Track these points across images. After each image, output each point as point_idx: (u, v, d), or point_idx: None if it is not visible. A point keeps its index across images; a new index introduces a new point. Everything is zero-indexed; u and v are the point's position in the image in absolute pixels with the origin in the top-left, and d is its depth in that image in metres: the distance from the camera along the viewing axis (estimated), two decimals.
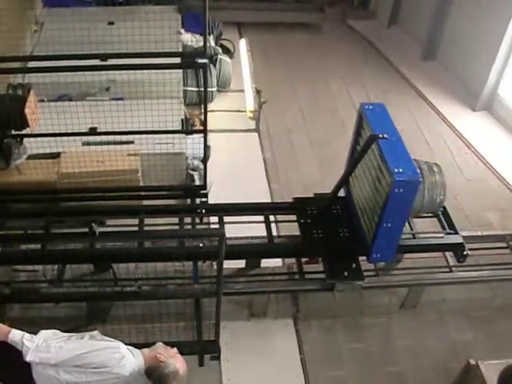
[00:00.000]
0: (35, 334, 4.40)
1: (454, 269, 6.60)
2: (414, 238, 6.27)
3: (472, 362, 5.71)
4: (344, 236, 6.10)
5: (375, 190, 5.57)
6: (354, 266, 6.03)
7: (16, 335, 4.26)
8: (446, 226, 6.40)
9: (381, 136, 5.32)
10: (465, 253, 6.13)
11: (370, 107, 5.90)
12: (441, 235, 6.37)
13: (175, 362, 4.31)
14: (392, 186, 5.10)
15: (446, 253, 6.69)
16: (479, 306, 7.02)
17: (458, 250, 6.23)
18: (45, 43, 8.38)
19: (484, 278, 6.68)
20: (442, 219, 6.50)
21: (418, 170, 5.33)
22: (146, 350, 4.43)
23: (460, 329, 6.89)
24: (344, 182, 6.06)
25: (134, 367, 4.27)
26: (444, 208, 6.60)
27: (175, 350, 4.44)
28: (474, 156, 9.58)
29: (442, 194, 5.78)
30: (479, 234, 7.17)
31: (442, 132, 10.10)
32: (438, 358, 6.59)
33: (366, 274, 6.11)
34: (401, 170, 5.10)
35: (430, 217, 6.48)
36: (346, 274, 5.98)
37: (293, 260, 6.63)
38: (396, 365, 6.54)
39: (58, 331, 4.51)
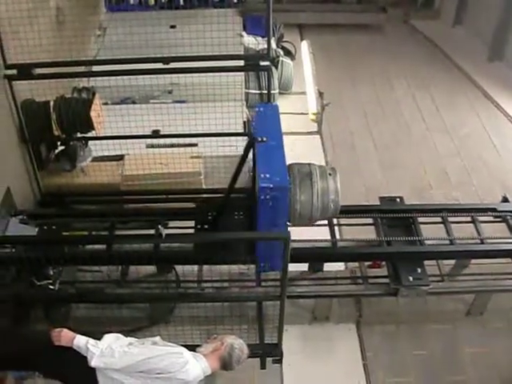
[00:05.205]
0: (99, 333, 4.47)
1: None
2: (483, 243, 6.11)
3: None
4: (236, 244, 5.62)
5: None
6: (419, 270, 5.91)
7: (81, 341, 4.31)
8: None
9: (259, 139, 5.07)
10: None
11: (261, 109, 5.65)
12: (510, 241, 6.19)
13: (228, 339, 4.53)
14: (258, 192, 4.84)
15: None
16: None
17: None
18: (108, 47, 8.50)
19: None
20: None
21: (288, 177, 4.98)
22: (203, 350, 4.47)
23: None
24: (232, 187, 5.64)
25: (198, 371, 4.29)
26: None
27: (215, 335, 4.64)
28: None
29: (334, 200, 5.35)
30: None
31: (510, 134, 9.81)
32: (506, 368, 6.40)
33: (431, 279, 6.01)
34: (267, 176, 4.80)
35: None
36: (410, 278, 5.86)
37: (356, 264, 6.55)
38: (461, 374, 6.37)
39: (120, 335, 4.57)
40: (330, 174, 5.35)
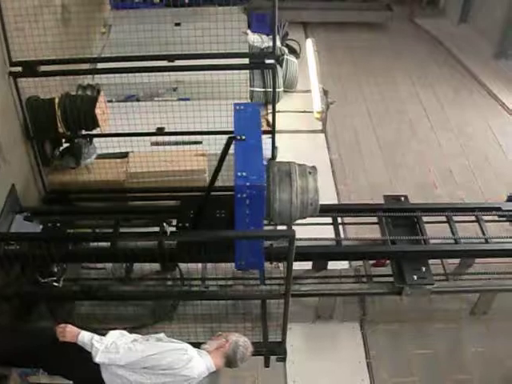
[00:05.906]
0: (103, 330, 4.48)
1: None
2: (487, 242, 6.09)
3: None
4: (215, 242, 5.51)
5: None
6: (423, 269, 5.91)
7: (85, 337, 4.33)
8: None
9: (238, 137, 5.08)
10: None
11: (242, 107, 5.61)
12: None
13: (233, 336, 4.55)
14: (235, 190, 4.84)
15: None
16: None
17: None
18: (113, 45, 8.52)
19: None
20: None
21: (265, 175, 4.97)
22: (207, 347, 4.48)
23: None
24: (212, 185, 5.64)
25: (202, 368, 4.30)
26: None
27: (219, 333, 4.64)
28: None
29: (313, 199, 5.28)
30: None
31: None
32: (510, 367, 6.36)
33: (435, 278, 6.00)
34: (244, 174, 4.81)
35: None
36: (415, 277, 5.86)
37: (360, 262, 6.54)
38: (465, 373, 6.35)
39: (125, 331, 4.58)
40: (309, 173, 5.33)
